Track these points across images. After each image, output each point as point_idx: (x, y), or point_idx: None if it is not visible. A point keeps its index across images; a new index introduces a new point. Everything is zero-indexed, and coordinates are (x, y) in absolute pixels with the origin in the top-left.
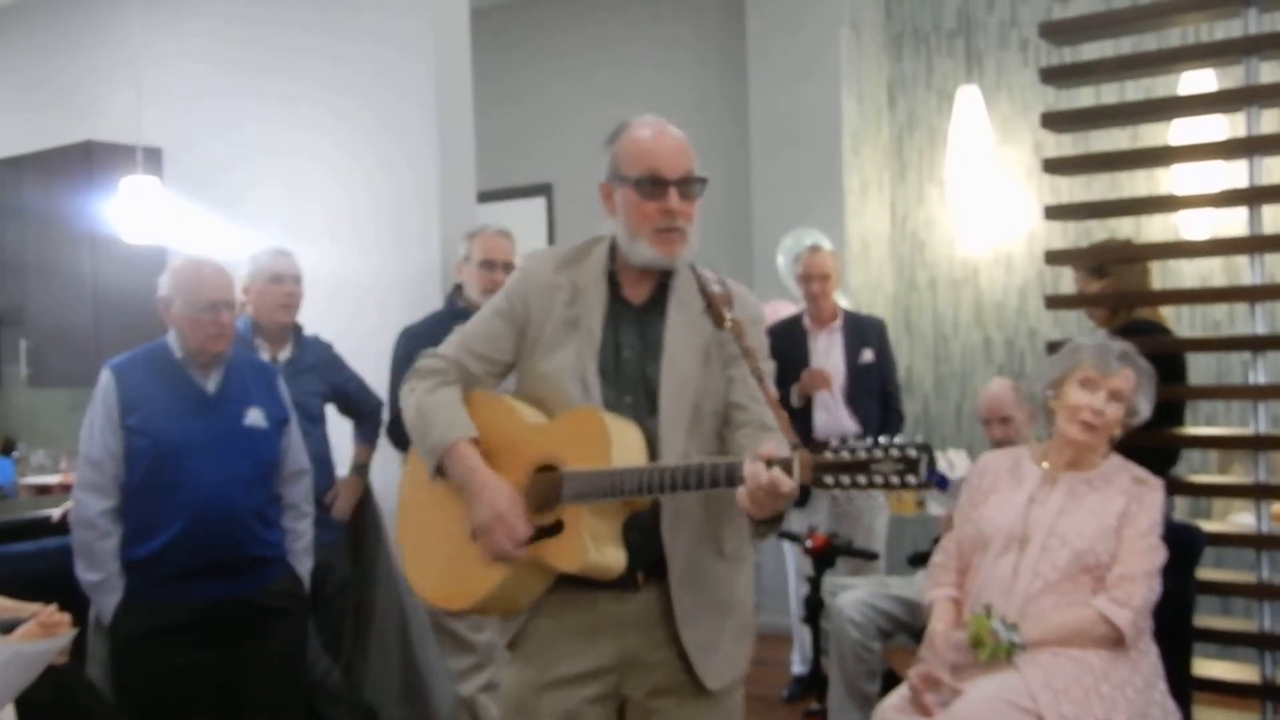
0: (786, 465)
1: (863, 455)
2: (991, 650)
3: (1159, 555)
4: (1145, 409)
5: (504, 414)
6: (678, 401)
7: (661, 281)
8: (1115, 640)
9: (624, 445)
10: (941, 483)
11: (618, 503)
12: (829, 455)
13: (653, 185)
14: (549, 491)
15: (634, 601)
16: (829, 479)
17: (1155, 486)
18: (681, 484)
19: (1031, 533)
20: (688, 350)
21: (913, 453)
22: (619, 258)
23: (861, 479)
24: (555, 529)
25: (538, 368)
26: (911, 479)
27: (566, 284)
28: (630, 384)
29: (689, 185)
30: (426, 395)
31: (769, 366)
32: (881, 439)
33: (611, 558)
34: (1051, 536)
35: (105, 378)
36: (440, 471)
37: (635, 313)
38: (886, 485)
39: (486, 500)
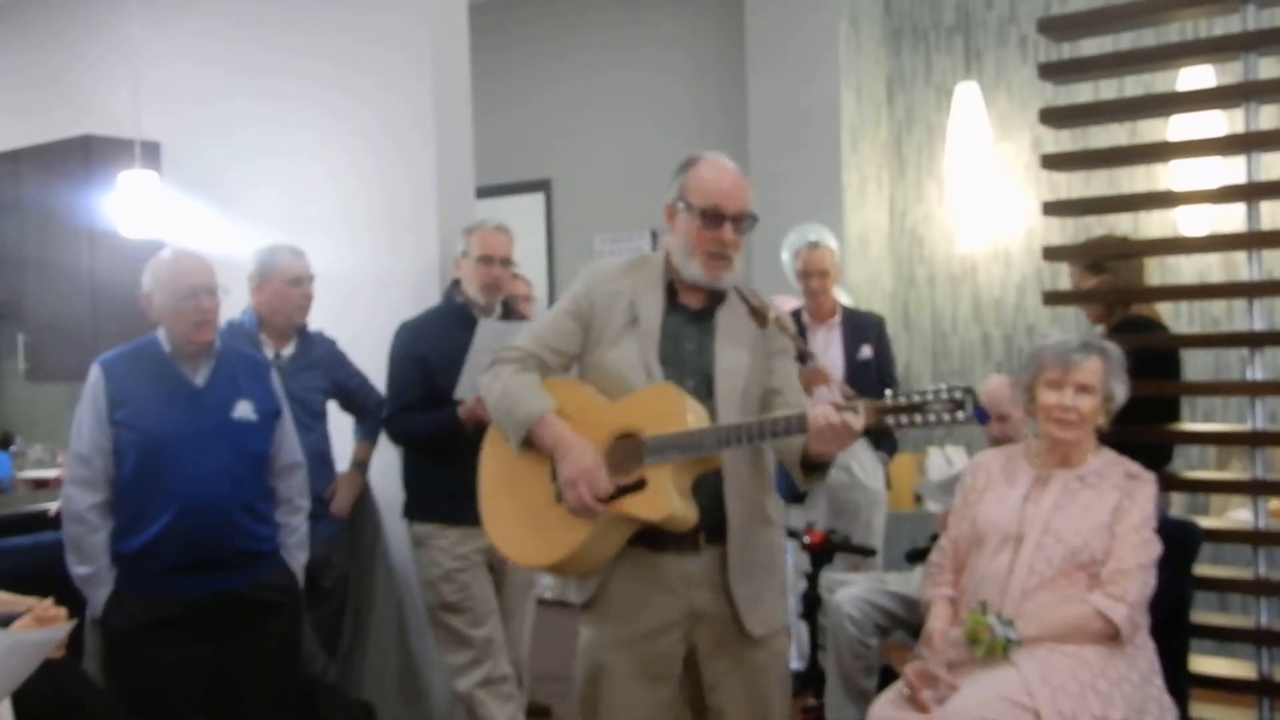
0: (854, 408)
1: (917, 399)
2: (988, 646)
3: (1153, 549)
4: (1120, 392)
5: (580, 394)
6: (731, 385)
7: (712, 293)
8: (1111, 635)
9: (698, 414)
10: (984, 417)
11: (692, 460)
12: (888, 401)
13: (713, 218)
14: (630, 454)
15: (696, 561)
16: (890, 419)
17: (1148, 481)
18: (757, 435)
19: (1026, 530)
20: (737, 344)
21: (959, 394)
22: (673, 269)
23: (918, 417)
24: (638, 486)
25: (601, 359)
26: (960, 415)
27: (627, 289)
28: (690, 371)
29: (741, 221)
30: (511, 378)
31: (813, 353)
32: (931, 385)
33: (690, 509)
34: (1046, 533)
35: (94, 373)
36: (527, 444)
37: (691, 315)
38: (939, 421)
39: (573, 459)
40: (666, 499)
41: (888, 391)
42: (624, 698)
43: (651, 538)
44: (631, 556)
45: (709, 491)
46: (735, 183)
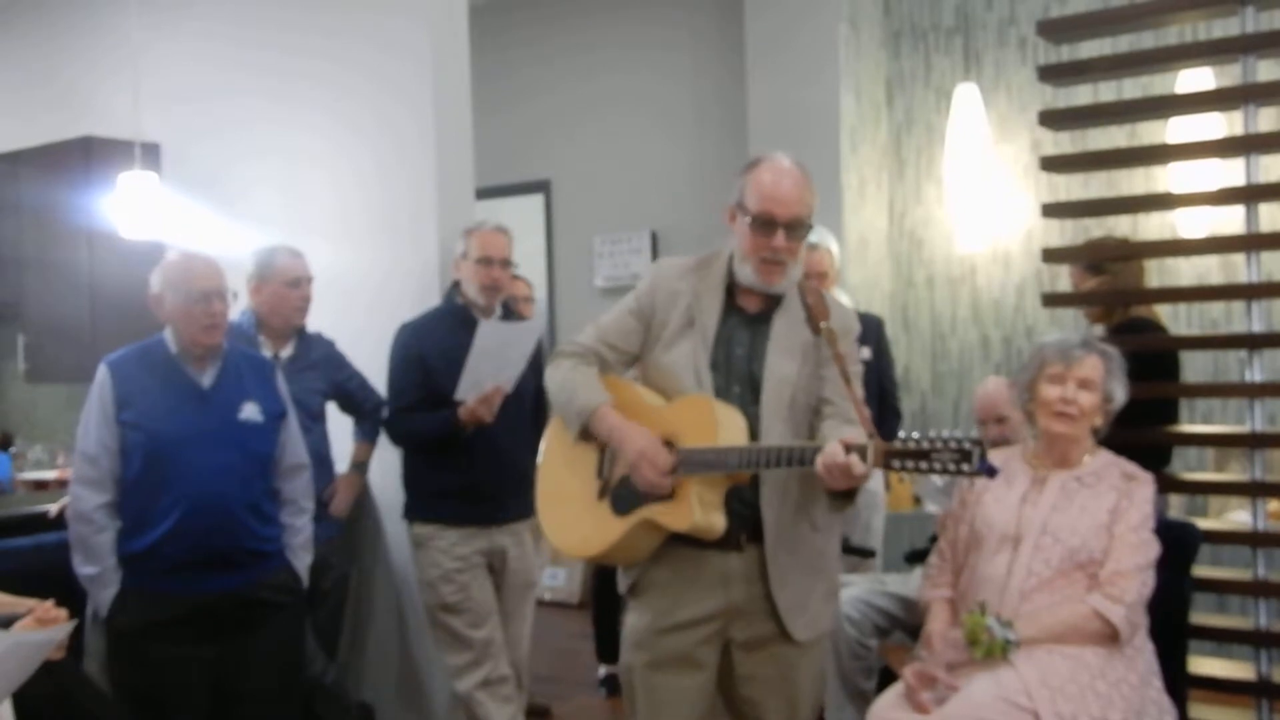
0: (862, 451)
1: (926, 445)
2: (987, 648)
3: (1152, 549)
4: (1119, 394)
5: (631, 395)
6: (777, 394)
7: (770, 297)
8: (1110, 636)
9: (729, 428)
10: (991, 471)
11: (721, 475)
12: (898, 444)
13: (765, 224)
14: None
15: (737, 559)
16: (896, 463)
17: (1145, 481)
18: (774, 461)
19: (1024, 531)
20: (788, 352)
21: (968, 445)
22: (733, 271)
23: (924, 464)
24: (669, 494)
25: (660, 359)
26: (965, 466)
27: (688, 289)
28: (738, 377)
29: (796, 229)
30: (571, 371)
31: (857, 369)
32: (944, 433)
33: (715, 520)
34: (1044, 534)
35: (101, 373)
36: (584, 435)
37: (748, 319)
38: (944, 470)
39: (632, 443)
40: (690, 511)
41: (901, 434)
42: (656, 681)
43: (693, 537)
44: (673, 549)
45: (748, 498)
46: (791, 188)
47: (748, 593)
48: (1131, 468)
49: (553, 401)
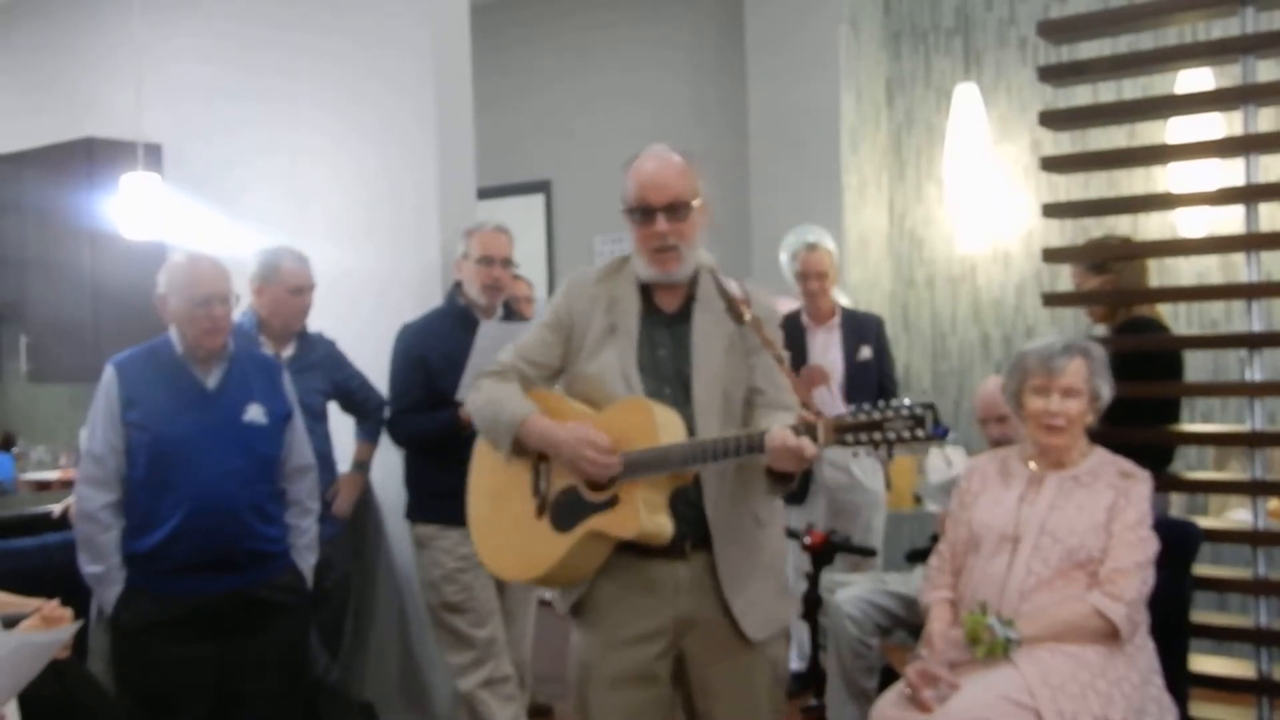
0: (812, 430)
1: (877, 415)
2: (988, 647)
3: (1150, 547)
4: (1106, 391)
5: (560, 405)
6: (709, 391)
7: (689, 292)
8: (1110, 634)
9: (669, 428)
10: (944, 433)
11: (665, 476)
12: (848, 418)
13: (644, 213)
14: None
15: (684, 568)
16: (849, 437)
17: (1142, 479)
18: (721, 452)
19: (1023, 532)
20: (714, 347)
21: (919, 410)
22: (637, 271)
23: (877, 435)
24: (611, 502)
25: (584, 370)
26: (920, 432)
27: (604, 295)
28: (667, 378)
29: (676, 211)
30: (493, 388)
31: (784, 353)
32: (893, 401)
33: (662, 524)
34: (1043, 534)
35: (108, 373)
36: (516, 447)
37: (667, 318)
38: (899, 440)
39: (566, 436)
40: (636, 517)
41: (849, 406)
42: (613, 701)
43: (638, 546)
44: (619, 563)
45: (691, 500)
46: (660, 170)
47: (698, 602)
48: (1128, 465)
49: (478, 424)
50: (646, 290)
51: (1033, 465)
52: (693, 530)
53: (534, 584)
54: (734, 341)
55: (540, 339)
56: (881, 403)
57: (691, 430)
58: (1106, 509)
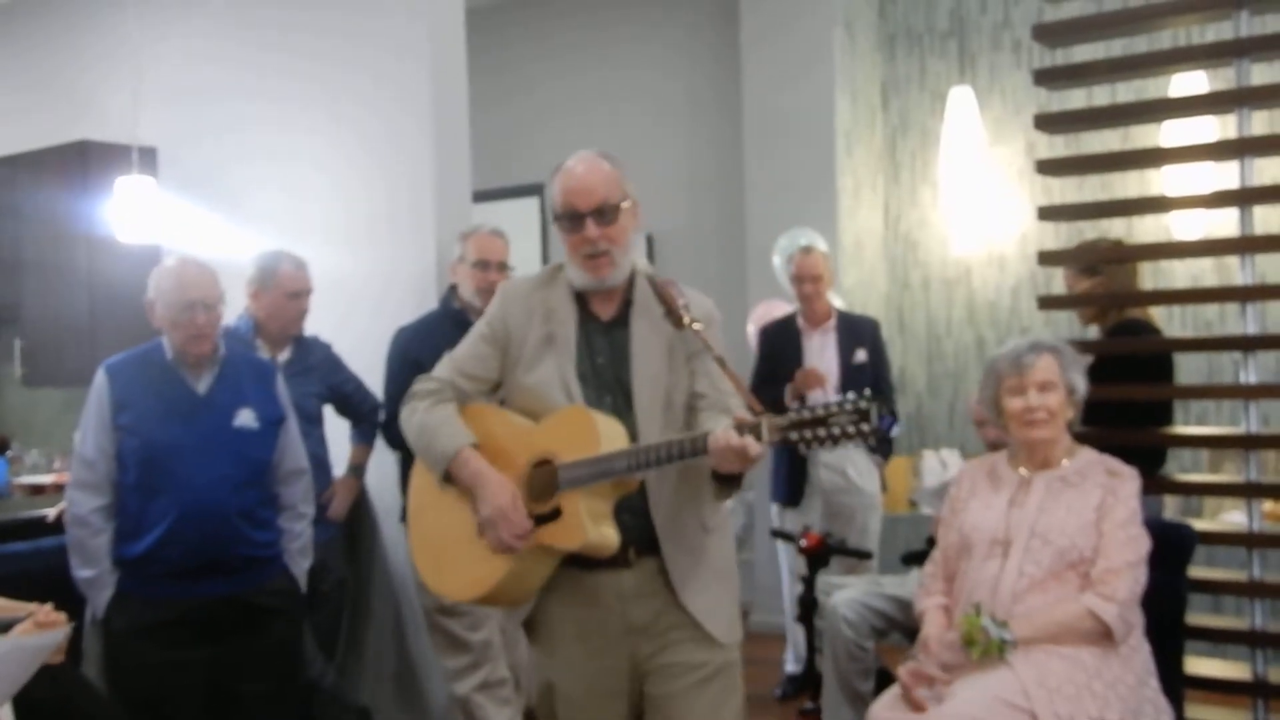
0: (756, 429)
1: (821, 411)
2: (984, 648)
3: (1142, 545)
4: (1080, 383)
5: (498, 420)
6: (650, 397)
7: (626, 297)
8: (1104, 635)
9: (611, 436)
10: (889, 425)
11: (609, 484)
12: (791, 415)
13: (572, 218)
14: (546, 483)
15: (629, 576)
16: (794, 435)
17: (1129, 477)
18: (665, 457)
19: (1014, 535)
20: (653, 352)
21: (864, 404)
22: (571, 279)
23: (822, 431)
24: (554, 515)
25: (522, 381)
26: (865, 426)
27: (540, 304)
28: (608, 386)
29: (604, 215)
30: (427, 413)
31: (725, 354)
32: (835, 396)
33: (608, 534)
34: (1034, 536)
35: (99, 377)
36: (448, 478)
37: (604, 326)
38: (844, 435)
39: (490, 498)
40: (581, 527)
41: (794, 405)
42: (577, 715)
43: (582, 558)
44: (564, 577)
45: (636, 507)
46: (586, 175)
47: (649, 608)
48: (1115, 464)
49: (413, 448)
50: (582, 298)
51: (1022, 471)
52: (637, 539)
53: (478, 604)
54: (674, 346)
55: (476, 352)
56: (826, 399)
57: (634, 437)
58: (1095, 508)
